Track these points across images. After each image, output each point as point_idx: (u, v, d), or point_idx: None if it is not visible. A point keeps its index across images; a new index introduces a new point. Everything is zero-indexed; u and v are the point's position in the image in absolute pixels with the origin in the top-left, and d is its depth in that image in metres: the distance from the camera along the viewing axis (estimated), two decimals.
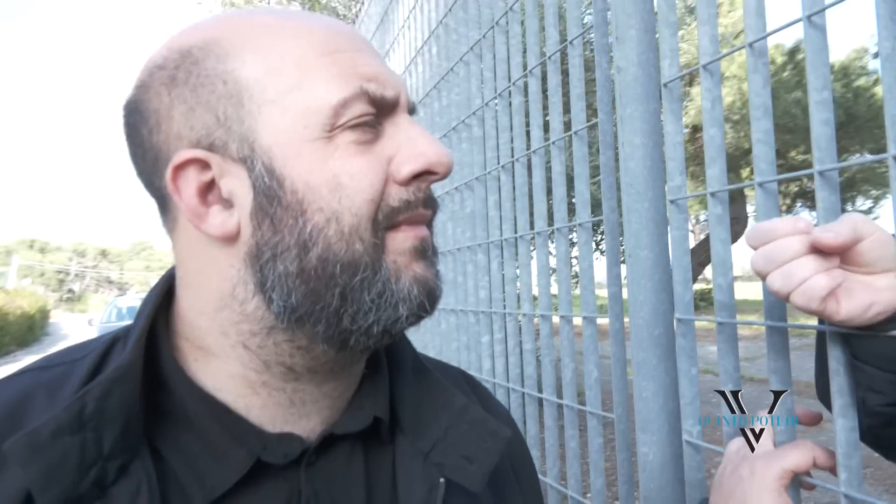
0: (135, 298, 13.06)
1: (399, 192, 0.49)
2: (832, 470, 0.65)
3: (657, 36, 0.88)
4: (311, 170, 0.46)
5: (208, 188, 0.48)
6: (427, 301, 0.50)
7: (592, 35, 1.03)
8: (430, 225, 0.53)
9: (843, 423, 0.62)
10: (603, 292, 1.18)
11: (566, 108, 3.29)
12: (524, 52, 1.30)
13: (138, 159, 0.51)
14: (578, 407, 1.10)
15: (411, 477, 0.54)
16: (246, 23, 0.49)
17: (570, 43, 1.07)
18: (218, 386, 0.51)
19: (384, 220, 0.48)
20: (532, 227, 1.24)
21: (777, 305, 0.70)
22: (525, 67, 1.26)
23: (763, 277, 0.58)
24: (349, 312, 0.47)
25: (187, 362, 0.51)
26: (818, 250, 0.56)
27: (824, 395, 0.71)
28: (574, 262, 4.58)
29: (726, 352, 0.76)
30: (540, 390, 1.25)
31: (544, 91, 1.19)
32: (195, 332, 0.51)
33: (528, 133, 1.23)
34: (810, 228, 0.57)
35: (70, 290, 66.21)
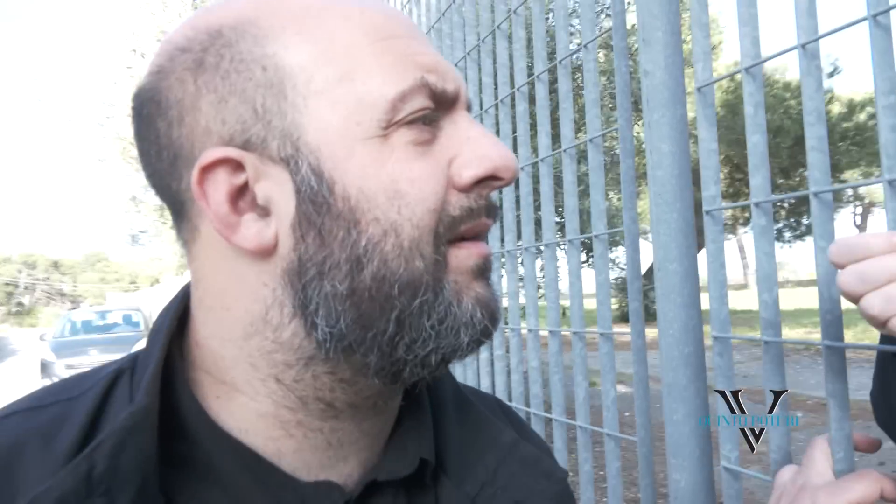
0: (90, 312, 12.57)
1: (460, 199, 0.42)
2: None
3: (688, 38, 0.84)
4: (366, 174, 0.39)
5: (240, 193, 0.40)
6: (490, 324, 0.44)
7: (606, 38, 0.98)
8: (485, 237, 0.47)
9: None
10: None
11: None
12: (530, 57, 1.25)
13: (151, 158, 0.43)
14: (594, 428, 1.04)
15: None
16: (286, 0, 0.42)
17: (585, 47, 1.02)
18: (245, 427, 0.43)
19: (445, 233, 0.41)
20: (539, 239, 1.19)
21: (834, 323, 0.66)
22: (529, 73, 1.21)
23: (855, 300, 0.53)
24: (405, 341, 0.41)
25: (207, 399, 0.44)
26: None
27: (887, 419, 0.67)
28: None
29: (772, 372, 0.72)
30: (548, 410, 1.19)
31: (552, 97, 1.14)
32: (218, 364, 0.43)
33: (534, 140, 1.18)
34: None
35: (19, 304, 63.68)
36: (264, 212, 0.40)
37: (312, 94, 0.39)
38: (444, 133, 0.43)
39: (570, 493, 0.61)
